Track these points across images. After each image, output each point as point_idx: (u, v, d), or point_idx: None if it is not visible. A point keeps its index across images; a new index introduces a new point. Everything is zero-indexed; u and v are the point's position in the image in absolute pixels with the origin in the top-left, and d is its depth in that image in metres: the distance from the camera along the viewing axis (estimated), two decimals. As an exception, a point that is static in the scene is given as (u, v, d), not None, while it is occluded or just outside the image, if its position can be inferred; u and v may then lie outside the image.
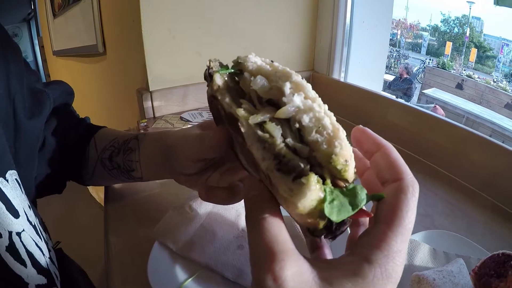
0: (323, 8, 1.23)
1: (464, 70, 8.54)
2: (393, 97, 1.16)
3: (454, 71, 8.17)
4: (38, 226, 0.42)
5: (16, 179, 0.40)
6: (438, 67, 8.38)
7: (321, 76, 1.26)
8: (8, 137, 0.42)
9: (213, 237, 0.54)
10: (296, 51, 1.26)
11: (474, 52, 9.46)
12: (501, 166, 0.82)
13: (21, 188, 0.40)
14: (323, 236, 0.26)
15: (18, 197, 0.39)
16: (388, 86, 5.64)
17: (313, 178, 0.23)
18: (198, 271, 0.52)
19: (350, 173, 0.26)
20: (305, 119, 0.27)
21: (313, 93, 0.30)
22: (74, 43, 1.88)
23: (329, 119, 0.27)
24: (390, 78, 6.39)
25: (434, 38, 10.78)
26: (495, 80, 7.93)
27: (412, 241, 0.61)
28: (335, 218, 0.23)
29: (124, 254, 0.57)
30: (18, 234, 0.36)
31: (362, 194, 0.25)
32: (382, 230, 0.24)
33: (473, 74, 8.03)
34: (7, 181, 0.37)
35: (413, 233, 0.63)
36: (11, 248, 0.35)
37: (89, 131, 0.60)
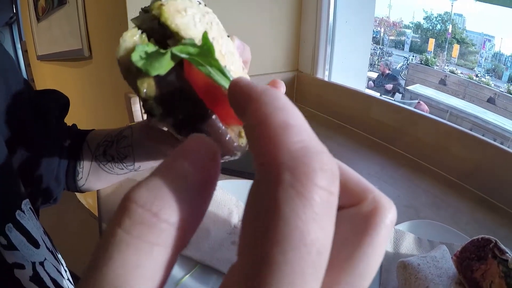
0: (307, 9, 1.24)
1: (447, 66, 8.72)
2: (377, 94, 1.20)
3: (437, 67, 8.34)
4: (53, 251, 0.43)
5: (30, 208, 0.40)
6: (422, 63, 8.54)
7: (305, 75, 1.28)
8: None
9: (207, 234, 0.56)
10: (281, 52, 1.27)
11: (456, 48, 9.68)
12: (482, 158, 0.86)
13: (35, 215, 0.41)
14: (170, 128, 0.23)
15: (35, 226, 0.39)
16: (373, 83, 5.76)
17: (134, 31, 0.22)
18: (195, 268, 0.54)
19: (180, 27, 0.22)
20: None
21: None
22: (59, 48, 1.86)
23: None
24: (374, 75, 6.49)
25: (417, 35, 10.98)
26: (477, 75, 8.13)
27: (397, 230, 0.65)
28: (140, 64, 0.20)
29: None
30: (41, 263, 0.36)
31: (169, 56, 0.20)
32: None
33: (456, 69, 8.21)
34: (24, 212, 0.37)
35: (398, 223, 0.68)
36: (36, 279, 0.35)
37: (80, 136, 0.61)
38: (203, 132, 0.22)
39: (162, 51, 0.20)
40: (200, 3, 0.25)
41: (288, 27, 1.26)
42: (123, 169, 0.57)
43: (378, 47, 9.94)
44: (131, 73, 0.21)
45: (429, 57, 8.92)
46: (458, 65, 9.09)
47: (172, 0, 0.22)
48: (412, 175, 0.91)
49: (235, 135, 0.25)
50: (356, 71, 1.42)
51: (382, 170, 0.91)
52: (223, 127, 0.23)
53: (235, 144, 0.25)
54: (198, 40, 0.21)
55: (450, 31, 10.22)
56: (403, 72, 8.41)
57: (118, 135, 0.56)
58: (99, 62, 1.52)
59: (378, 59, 9.10)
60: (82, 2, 1.44)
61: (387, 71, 5.71)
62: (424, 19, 10.78)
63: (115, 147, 0.56)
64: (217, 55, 0.21)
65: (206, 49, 0.20)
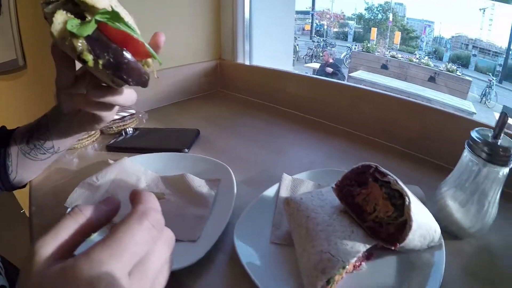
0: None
1: (389, 51, 9.16)
2: (291, 70, 1.24)
3: (379, 53, 8.74)
4: None
5: None
6: (363, 51, 8.92)
7: (227, 62, 1.31)
8: None
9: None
10: (203, 42, 1.28)
11: (398, 35, 10.22)
12: (396, 114, 0.89)
13: None
14: (101, 66, 0.33)
15: None
16: (316, 73, 5.91)
17: (61, 12, 0.32)
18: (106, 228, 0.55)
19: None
20: None
21: None
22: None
23: None
24: (318, 66, 6.68)
25: (360, 26, 11.47)
26: (417, 57, 8.60)
27: (295, 179, 0.65)
28: (75, 30, 0.31)
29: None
30: None
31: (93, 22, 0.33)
32: (101, 240, 0.26)
33: (397, 54, 8.63)
34: None
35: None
36: None
37: (7, 135, 0.65)
38: (123, 64, 0.35)
39: (88, 19, 0.33)
40: None
41: (208, 18, 1.26)
42: (45, 153, 0.64)
43: (321, 40, 10.29)
44: (66, 39, 0.32)
45: (370, 45, 9.32)
46: (400, 50, 9.58)
47: None
48: (327, 137, 0.94)
49: (142, 65, 0.39)
50: (280, 55, 1.47)
51: (296, 137, 0.95)
52: (135, 59, 0.36)
53: (143, 70, 0.38)
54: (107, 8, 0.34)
55: (391, 19, 10.78)
56: (347, 61, 8.73)
57: (37, 124, 0.63)
58: (35, 72, 1.46)
59: (322, 50, 9.39)
60: (15, 12, 1.38)
61: (331, 60, 5.89)
62: (365, 9, 11.29)
63: (35, 135, 0.63)
64: (122, 15, 0.35)
65: (115, 13, 0.34)
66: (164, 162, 0.70)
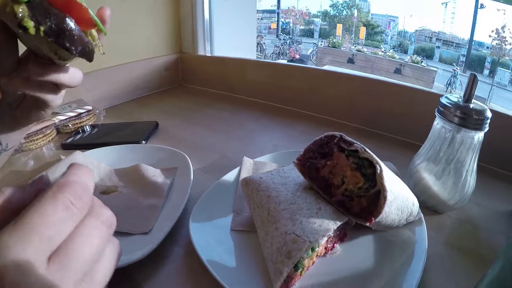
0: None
1: (355, 46, 9.38)
2: (251, 57, 1.22)
3: (345, 48, 8.93)
4: None
5: None
6: (329, 46, 9.09)
7: (188, 55, 1.28)
8: None
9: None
10: (163, 37, 1.24)
11: (363, 30, 10.50)
12: (356, 93, 0.88)
13: None
14: (42, 33, 0.31)
15: None
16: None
17: None
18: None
19: None
20: None
21: None
22: None
23: None
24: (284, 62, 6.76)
25: (325, 23, 11.71)
26: (383, 50, 8.85)
27: (257, 162, 0.60)
28: None
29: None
30: None
31: None
32: (11, 222, 0.22)
33: (362, 48, 8.85)
34: None
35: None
36: None
37: None
38: (66, 30, 0.32)
39: None
40: None
41: (168, 13, 1.22)
42: None
43: (288, 37, 10.43)
44: (7, 6, 0.30)
45: (336, 40, 9.51)
46: (365, 45, 9.82)
47: None
48: (289, 122, 0.92)
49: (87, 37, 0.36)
50: (241, 44, 1.44)
51: (259, 123, 0.93)
52: (78, 27, 0.33)
53: (87, 39, 0.35)
54: None
55: (356, 15, 11.05)
56: (313, 57, 8.85)
57: None
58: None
59: (288, 47, 9.49)
60: None
61: (297, 56, 5.94)
62: (330, 6, 11.52)
63: None
64: None
65: None
66: (119, 154, 0.67)
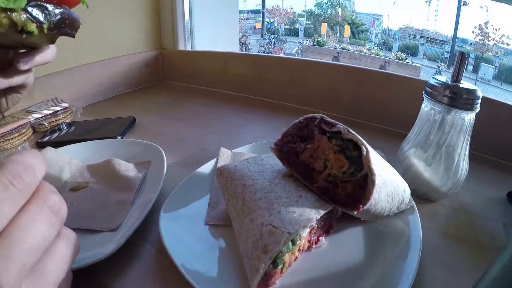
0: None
1: (340, 44, 9.46)
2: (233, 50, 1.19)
3: (329, 46, 9.00)
4: None
5: None
6: (314, 45, 9.14)
7: (168, 51, 1.25)
8: None
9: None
10: (143, 33, 1.21)
11: (347, 29, 10.59)
12: (339, 83, 0.86)
13: None
14: (46, 31, 0.31)
15: None
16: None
17: None
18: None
19: None
20: None
21: None
22: None
23: None
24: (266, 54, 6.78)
25: (310, 22, 11.78)
26: (367, 48, 8.94)
27: (235, 153, 0.56)
28: (12, 5, 0.28)
29: None
30: None
31: None
32: None
33: (347, 46, 8.92)
34: None
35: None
36: None
37: None
38: (66, 20, 0.33)
39: None
40: None
41: (148, 9, 1.19)
42: None
43: (273, 37, 10.47)
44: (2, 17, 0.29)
45: (320, 39, 9.57)
46: (350, 43, 9.91)
47: None
48: (270, 116, 0.89)
49: None
50: (223, 38, 1.41)
51: (240, 116, 0.90)
52: (70, 11, 0.33)
53: (78, 17, 0.35)
54: None
55: (340, 14, 11.15)
56: (298, 56, 8.89)
57: None
58: None
59: (273, 47, 9.50)
60: None
61: (282, 55, 5.98)
62: (315, 6, 11.60)
63: None
64: None
65: None
66: (92, 150, 0.65)
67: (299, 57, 0.98)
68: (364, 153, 0.34)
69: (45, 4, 0.31)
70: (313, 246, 0.38)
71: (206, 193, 0.49)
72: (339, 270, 0.36)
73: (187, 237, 0.40)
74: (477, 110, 0.47)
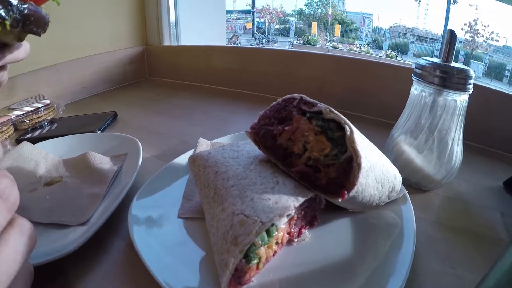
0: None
1: (330, 43, 9.52)
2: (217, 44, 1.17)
3: (320, 45, 9.05)
4: None
5: None
6: (305, 44, 9.18)
7: (154, 47, 1.23)
8: None
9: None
10: (128, 29, 1.18)
11: (338, 28, 10.68)
12: (326, 73, 0.84)
13: None
14: (9, 27, 0.27)
15: None
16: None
17: None
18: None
19: None
20: None
21: None
22: None
23: None
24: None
25: (301, 21, 11.85)
26: (358, 46, 9.01)
27: (214, 143, 0.53)
28: None
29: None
30: None
31: None
32: None
33: (337, 45, 8.97)
34: None
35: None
36: None
37: None
38: (30, 16, 0.29)
39: None
40: None
41: (132, 5, 1.16)
42: None
43: (263, 36, 10.52)
44: None
45: (311, 38, 9.62)
46: (341, 42, 9.98)
47: None
48: (255, 109, 0.86)
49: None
50: (210, 32, 1.40)
51: (225, 110, 0.87)
52: (37, 8, 0.30)
53: (46, 15, 0.31)
54: None
55: (330, 13, 11.22)
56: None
57: None
58: None
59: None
60: None
61: (267, 47, 5.99)
62: (305, 5, 11.66)
63: None
64: None
65: None
66: (70, 145, 0.64)
67: (285, 48, 0.96)
68: (348, 133, 0.30)
69: (8, 0, 0.29)
70: (295, 240, 0.34)
71: (182, 185, 0.45)
72: (325, 266, 0.32)
73: (158, 231, 0.36)
74: (470, 91, 0.45)
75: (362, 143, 0.31)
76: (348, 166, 0.30)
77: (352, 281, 0.30)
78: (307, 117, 0.33)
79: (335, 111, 0.32)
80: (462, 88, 0.44)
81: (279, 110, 0.36)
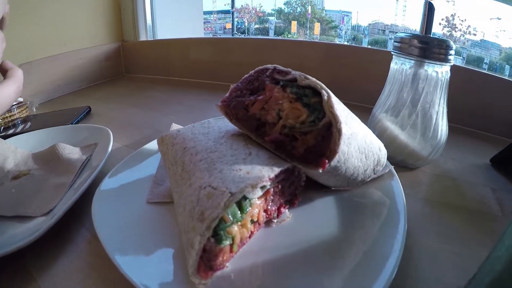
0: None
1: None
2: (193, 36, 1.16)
3: (299, 43, 9.16)
4: None
5: None
6: (284, 42, 9.27)
7: (130, 43, 1.21)
8: None
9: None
10: (103, 26, 1.16)
11: (317, 26, 10.79)
12: (307, 60, 0.82)
13: None
14: None
15: None
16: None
17: None
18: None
19: None
20: None
21: None
22: None
23: None
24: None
25: (280, 20, 11.96)
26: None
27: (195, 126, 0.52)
28: None
29: None
30: None
31: None
32: None
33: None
34: None
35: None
36: None
37: None
38: None
39: None
40: None
41: (108, 2, 1.14)
42: None
43: (243, 36, 10.56)
44: None
45: (290, 36, 9.67)
46: (321, 40, 10.08)
47: None
48: None
49: None
50: (187, 26, 1.38)
51: (203, 101, 0.85)
52: None
53: None
54: None
55: (310, 12, 11.34)
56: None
57: None
58: None
59: (243, 46, 9.57)
60: None
61: (243, 36, 6.00)
62: (284, 4, 11.76)
63: None
64: None
65: None
66: (40, 139, 0.64)
67: (262, 37, 0.95)
68: (325, 97, 0.28)
69: None
70: (274, 220, 0.31)
71: (152, 170, 0.42)
72: (308, 249, 0.29)
73: (124, 218, 0.33)
74: (451, 62, 0.43)
75: (342, 110, 0.29)
76: (327, 133, 0.28)
77: (340, 266, 0.28)
78: (280, 85, 0.31)
79: (310, 77, 0.30)
80: (443, 58, 0.43)
81: (251, 81, 0.33)
